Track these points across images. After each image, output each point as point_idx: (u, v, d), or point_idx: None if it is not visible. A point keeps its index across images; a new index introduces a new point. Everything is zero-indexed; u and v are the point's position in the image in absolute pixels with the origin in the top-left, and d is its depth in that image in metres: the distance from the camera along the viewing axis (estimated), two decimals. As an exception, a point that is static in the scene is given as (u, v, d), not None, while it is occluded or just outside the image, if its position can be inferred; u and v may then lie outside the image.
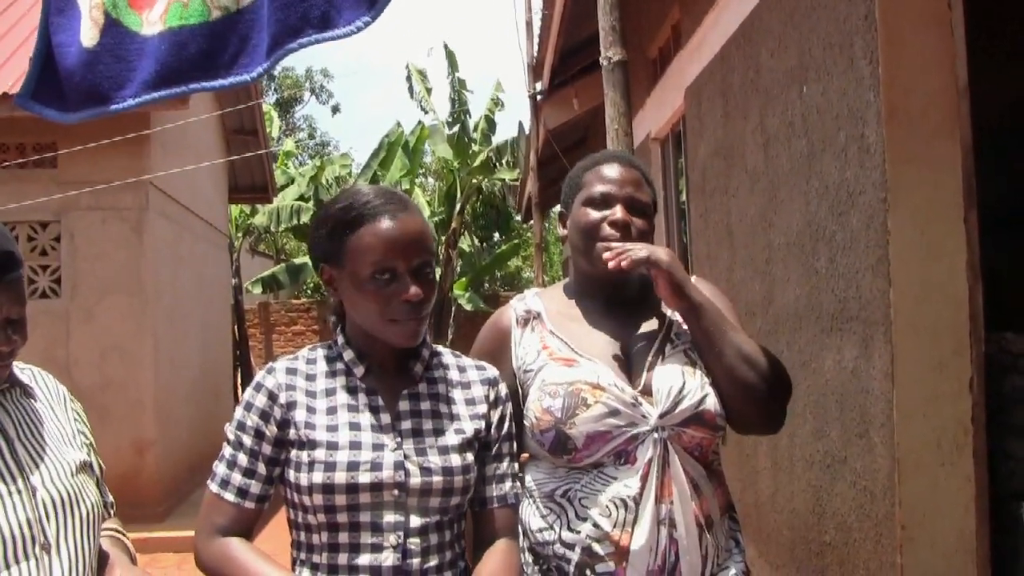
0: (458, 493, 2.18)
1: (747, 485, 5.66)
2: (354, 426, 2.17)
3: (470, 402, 2.30)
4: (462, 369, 2.37)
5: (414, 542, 2.13)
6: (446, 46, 25.80)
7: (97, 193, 9.38)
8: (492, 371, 2.40)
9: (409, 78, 26.69)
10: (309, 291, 30.73)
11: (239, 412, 2.23)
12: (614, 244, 2.43)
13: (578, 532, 2.33)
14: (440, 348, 2.42)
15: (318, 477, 2.11)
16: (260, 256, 31.29)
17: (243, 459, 2.20)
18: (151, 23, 2.87)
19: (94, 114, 3.03)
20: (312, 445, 2.15)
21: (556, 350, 2.47)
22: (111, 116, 3.03)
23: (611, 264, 2.37)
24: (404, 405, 2.23)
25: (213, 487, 2.22)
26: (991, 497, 3.48)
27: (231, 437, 2.23)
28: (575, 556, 2.33)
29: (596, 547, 2.31)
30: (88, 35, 2.93)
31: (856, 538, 3.88)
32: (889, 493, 3.53)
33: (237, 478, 2.20)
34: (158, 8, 2.87)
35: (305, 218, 22.89)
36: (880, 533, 3.63)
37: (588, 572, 2.32)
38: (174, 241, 10.99)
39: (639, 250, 2.39)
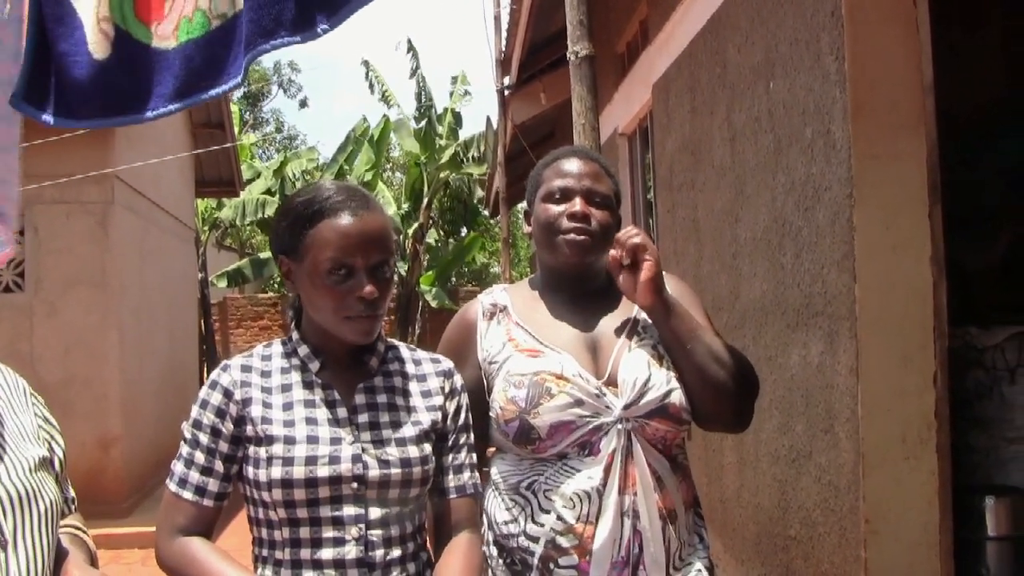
0: (417, 484, 2.18)
1: (713, 480, 5.68)
2: (311, 421, 2.17)
3: (426, 394, 2.30)
4: (417, 362, 2.37)
5: (376, 534, 2.13)
6: (409, 41, 25.82)
7: (62, 186, 9.26)
8: (447, 363, 2.39)
9: (368, 75, 26.66)
10: (276, 285, 30.59)
11: (195, 410, 2.22)
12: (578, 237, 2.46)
13: (542, 525, 2.34)
14: (395, 342, 2.41)
15: (276, 472, 2.11)
16: (226, 250, 31.11)
17: (200, 457, 2.20)
18: (162, 37, 2.91)
19: (108, 123, 3.08)
20: (270, 441, 2.15)
21: (521, 342, 2.48)
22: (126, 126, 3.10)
23: (613, 253, 2.42)
24: (360, 398, 2.22)
25: (172, 486, 2.21)
26: (955, 491, 3.50)
27: (188, 435, 2.22)
28: (539, 549, 2.34)
29: (560, 540, 2.32)
30: (99, 47, 2.95)
31: (821, 532, 3.90)
32: (854, 487, 3.55)
33: (195, 476, 2.19)
34: (168, 24, 2.90)
35: (270, 212, 22.74)
36: (845, 527, 3.65)
37: (552, 565, 2.33)
38: (140, 235, 10.90)
39: (634, 236, 2.41)
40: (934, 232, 3.45)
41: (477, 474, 2.35)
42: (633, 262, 2.41)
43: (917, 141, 3.47)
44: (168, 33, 2.90)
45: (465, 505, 2.31)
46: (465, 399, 2.37)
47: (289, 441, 2.14)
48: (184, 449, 2.22)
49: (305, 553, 2.12)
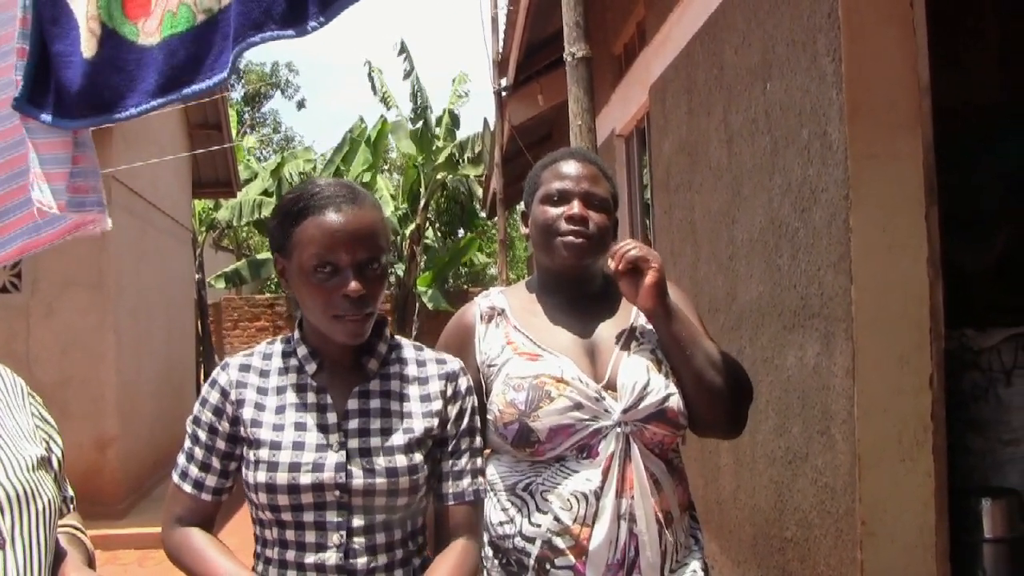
0: (404, 493, 2.16)
1: (709, 481, 5.68)
2: (299, 426, 2.17)
3: (425, 398, 2.27)
4: (421, 363, 2.33)
5: (358, 541, 2.12)
6: (403, 43, 25.81)
7: (58, 187, 9.22)
8: (453, 364, 2.35)
9: (371, 75, 26.65)
10: (273, 286, 30.56)
11: (196, 407, 2.26)
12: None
13: (539, 526, 2.34)
14: (402, 340, 2.38)
15: (261, 476, 2.12)
16: (223, 251, 31.08)
17: (199, 453, 2.24)
18: (148, 33, 2.91)
19: (96, 123, 3.08)
20: (258, 444, 2.16)
21: (520, 345, 2.48)
22: (115, 124, 3.08)
23: (611, 264, 2.41)
24: (353, 404, 2.21)
25: (175, 477, 2.27)
26: (950, 492, 3.50)
27: (189, 431, 2.26)
28: (535, 549, 2.34)
29: (556, 540, 2.32)
30: (87, 46, 2.96)
31: (817, 534, 3.90)
32: (850, 489, 3.54)
33: (194, 471, 2.24)
34: (153, 20, 2.90)
35: (267, 212, 22.72)
36: (841, 529, 3.65)
37: (548, 566, 2.33)
38: (137, 236, 10.88)
39: (632, 248, 2.41)
40: (931, 233, 3.45)
41: (480, 479, 2.33)
42: (634, 268, 2.41)
43: (914, 142, 3.47)
44: (153, 29, 2.90)
45: (463, 512, 2.28)
46: (471, 402, 2.34)
47: (275, 446, 2.15)
48: (186, 443, 2.27)
49: (290, 555, 2.14)
